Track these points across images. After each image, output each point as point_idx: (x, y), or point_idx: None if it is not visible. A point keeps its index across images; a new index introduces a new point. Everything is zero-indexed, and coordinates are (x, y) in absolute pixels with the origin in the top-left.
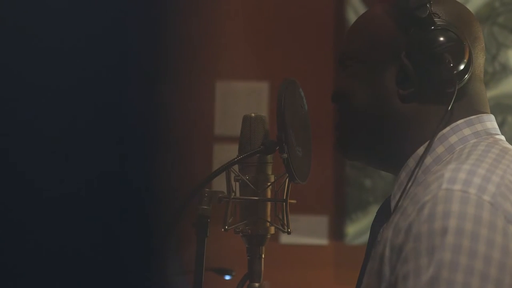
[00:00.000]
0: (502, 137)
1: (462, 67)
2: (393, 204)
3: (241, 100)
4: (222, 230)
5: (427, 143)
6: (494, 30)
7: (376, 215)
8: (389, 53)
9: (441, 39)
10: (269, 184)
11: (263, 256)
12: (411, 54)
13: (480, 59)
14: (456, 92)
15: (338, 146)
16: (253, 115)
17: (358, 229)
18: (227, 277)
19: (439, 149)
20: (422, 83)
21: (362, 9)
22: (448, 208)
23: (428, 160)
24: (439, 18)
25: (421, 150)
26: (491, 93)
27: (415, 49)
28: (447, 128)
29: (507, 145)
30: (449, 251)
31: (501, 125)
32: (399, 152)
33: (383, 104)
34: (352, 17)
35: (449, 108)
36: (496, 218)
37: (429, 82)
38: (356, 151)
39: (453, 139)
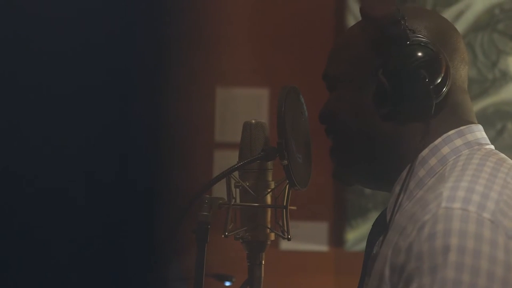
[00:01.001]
0: (492, 147)
1: (438, 81)
2: (388, 217)
3: (242, 106)
4: (222, 236)
5: (419, 155)
6: (494, 37)
7: (372, 228)
8: (367, 72)
9: (415, 54)
10: (269, 190)
11: (263, 263)
12: (387, 71)
13: (461, 71)
14: (434, 107)
15: (335, 174)
16: (253, 121)
17: (358, 235)
18: (227, 283)
19: (432, 161)
20: (400, 100)
21: None
22: (448, 227)
23: (422, 172)
24: (414, 33)
25: (414, 162)
26: (491, 100)
27: (390, 66)
28: (439, 140)
29: (501, 155)
30: (452, 269)
31: (500, 132)
32: (392, 168)
33: (366, 124)
34: (352, 24)
35: (430, 123)
36: (497, 235)
37: (407, 98)
38: (352, 173)
39: (445, 150)
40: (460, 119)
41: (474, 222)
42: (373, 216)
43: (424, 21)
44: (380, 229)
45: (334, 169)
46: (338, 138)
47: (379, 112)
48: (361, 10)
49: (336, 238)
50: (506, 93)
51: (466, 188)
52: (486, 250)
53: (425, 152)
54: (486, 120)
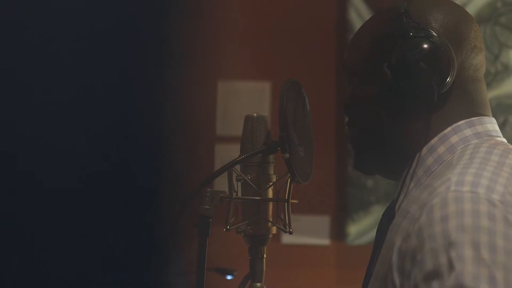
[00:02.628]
0: (504, 140)
1: (441, 72)
2: (397, 205)
3: (243, 100)
4: (224, 230)
5: (428, 143)
6: (496, 30)
7: (382, 217)
8: (375, 66)
9: (417, 47)
10: (271, 184)
11: (264, 256)
12: (391, 65)
13: (471, 59)
14: (437, 98)
15: (354, 163)
16: (255, 115)
17: (359, 229)
18: (229, 277)
19: (440, 149)
20: (404, 92)
21: (364, 10)
22: (460, 208)
23: (430, 160)
24: (418, 25)
25: (423, 151)
26: (493, 93)
27: (393, 60)
28: (448, 129)
29: (509, 146)
30: (469, 248)
31: (503, 125)
32: (402, 157)
33: (374, 117)
34: (354, 18)
35: (438, 114)
36: (508, 215)
37: (410, 91)
38: (366, 162)
39: (454, 139)
40: (471, 110)
41: (485, 202)
42: (375, 209)
43: (431, 12)
44: (389, 218)
45: (353, 159)
46: (351, 129)
47: (385, 105)
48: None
49: (338, 232)
50: (508, 86)
51: (474, 173)
52: (500, 228)
53: (434, 140)
54: None
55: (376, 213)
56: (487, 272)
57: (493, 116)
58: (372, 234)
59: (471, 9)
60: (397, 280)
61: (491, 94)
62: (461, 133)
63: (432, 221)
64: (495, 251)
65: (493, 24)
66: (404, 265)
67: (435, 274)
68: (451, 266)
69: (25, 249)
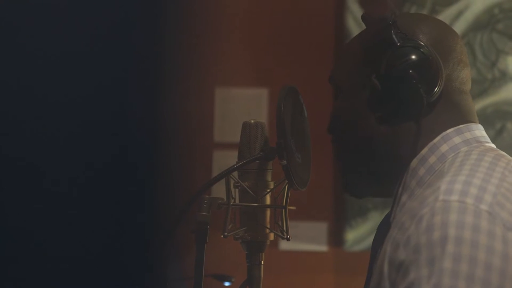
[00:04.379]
0: (493, 145)
1: (429, 81)
2: (391, 217)
3: (241, 106)
4: (222, 236)
5: (419, 154)
6: (494, 37)
7: (377, 229)
8: (362, 77)
9: (405, 56)
10: (268, 190)
11: (262, 263)
12: (379, 75)
13: (458, 72)
14: (425, 106)
15: (346, 186)
16: (252, 121)
17: (357, 235)
18: (227, 284)
19: (431, 159)
20: (393, 101)
21: None
22: (446, 218)
23: (422, 171)
24: (405, 36)
25: (414, 162)
26: (490, 99)
27: (382, 69)
28: (437, 138)
29: (499, 151)
30: (449, 260)
31: (500, 131)
32: (393, 169)
33: (364, 128)
34: (351, 25)
35: (427, 123)
36: (494, 226)
37: (398, 99)
38: (359, 183)
39: (444, 148)
40: (458, 119)
41: (472, 213)
42: (373, 216)
43: (418, 25)
44: (385, 230)
45: (342, 181)
46: (340, 145)
47: (374, 115)
48: (361, 16)
49: (336, 238)
50: (505, 92)
51: (463, 181)
52: (484, 241)
53: (424, 151)
54: (486, 120)
55: (373, 219)
56: (464, 285)
57: (490, 123)
58: (370, 240)
59: (469, 16)
60: (386, 287)
61: (488, 100)
62: (450, 141)
63: (418, 232)
64: (475, 265)
65: (490, 30)
66: (391, 272)
67: (415, 285)
68: (429, 278)
69: (21, 250)
